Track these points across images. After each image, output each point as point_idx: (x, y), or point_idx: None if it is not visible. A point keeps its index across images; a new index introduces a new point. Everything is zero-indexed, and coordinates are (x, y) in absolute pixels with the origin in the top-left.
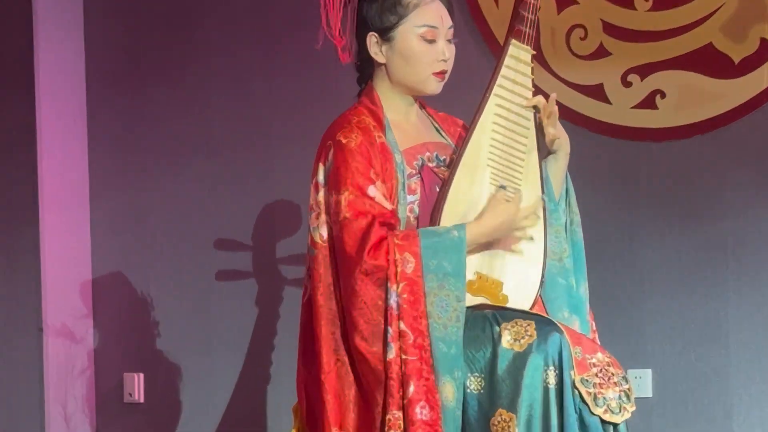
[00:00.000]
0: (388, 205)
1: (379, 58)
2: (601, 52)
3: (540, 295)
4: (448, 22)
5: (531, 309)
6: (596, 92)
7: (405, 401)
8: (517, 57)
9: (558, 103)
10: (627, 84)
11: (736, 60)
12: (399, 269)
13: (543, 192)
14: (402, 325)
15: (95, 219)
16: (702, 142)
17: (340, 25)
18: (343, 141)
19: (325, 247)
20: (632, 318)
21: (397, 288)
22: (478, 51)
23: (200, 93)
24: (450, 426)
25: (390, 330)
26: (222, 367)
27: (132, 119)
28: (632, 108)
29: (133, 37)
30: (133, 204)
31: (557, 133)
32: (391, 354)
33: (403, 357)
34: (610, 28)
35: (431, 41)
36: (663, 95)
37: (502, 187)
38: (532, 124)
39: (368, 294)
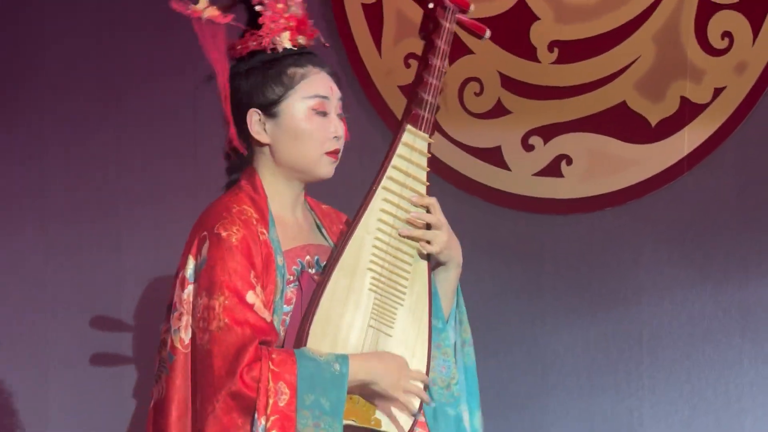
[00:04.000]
0: (267, 317)
1: (263, 138)
2: (498, 110)
3: (428, 427)
4: (338, 93)
5: None
6: (493, 156)
7: None
8: (412, 145)
9: (449, 169)
10: (528, 147)
11: (653, 122)
12: (271, 401)
13: (431, 305)
14: None
15: None
16: (614, 215)
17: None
18: (223, 234)
19: (185, 354)
20: (532, 418)
21: (266, 422)
22: (358, 106)
23: (33, 145)
24: None
25: None
26: None
27: None
28: (534, 175)
29: None
30: None
31: (448, 242)
32: None
33: None
34: (509, 83)
35: (323, 114)
36: (569, 161)
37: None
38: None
39: (231, 422)
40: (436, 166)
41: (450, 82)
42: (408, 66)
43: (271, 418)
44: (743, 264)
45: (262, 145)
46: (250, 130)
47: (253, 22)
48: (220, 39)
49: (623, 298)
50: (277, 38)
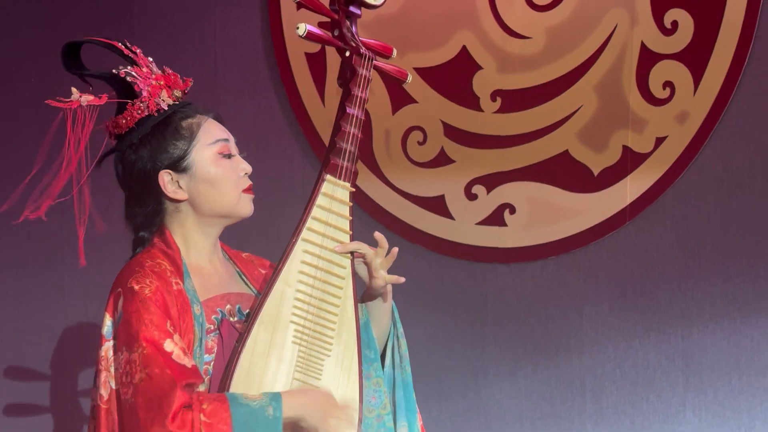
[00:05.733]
0: (188, 362)
1: (180, 195)
2: (442, 160)
3: None
4: (232, 136)
5: None
6: (437, 205)
7: None
8: (332, 195)
9: (393, 218)
10: (471, 196)
11: (596, 171)
12: None
13: (360, 352)
14: None
15: None
16: (556, 264)
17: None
18: (136, 288)
19: (105, 409)
20: None
21: None
22: (303, 155)
23: None
24: None
25: None
26: None
27: None
28: (477, 224)
29: None
30: None
31: (390, 278)
32: None
33: None
34: (452, 132)
35: (228, 156)
36: (512, 210)
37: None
38: (348, 272)
39: None
40: (379, 215)
41: (393, 131)
42: None
43: None
44: (686, 313)
45: (178, 202)
46: (165, 192)
47: (125, 94)
48: (90, 124)
49: (566, 346)
50: (158, 99)
